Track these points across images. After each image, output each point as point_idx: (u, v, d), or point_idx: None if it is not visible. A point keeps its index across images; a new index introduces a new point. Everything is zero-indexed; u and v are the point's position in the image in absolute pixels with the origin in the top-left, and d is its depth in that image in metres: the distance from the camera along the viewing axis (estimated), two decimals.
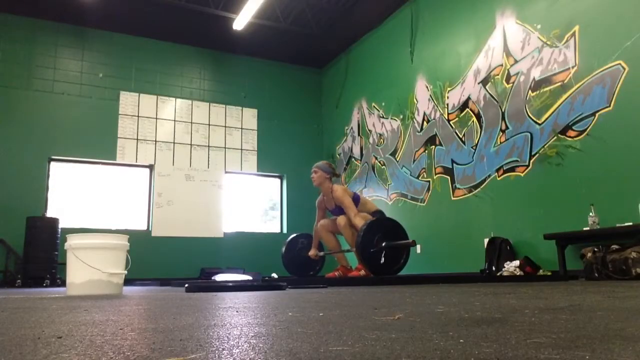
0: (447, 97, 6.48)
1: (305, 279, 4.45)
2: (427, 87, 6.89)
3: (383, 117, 7.81)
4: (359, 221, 4.30)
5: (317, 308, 1.48)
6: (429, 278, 4.35)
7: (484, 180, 5.77)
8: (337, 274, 4.52)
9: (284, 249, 5.27)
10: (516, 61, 5.48)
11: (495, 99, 5.72)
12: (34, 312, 1.53)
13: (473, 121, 6.03)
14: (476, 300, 1.68)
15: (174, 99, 8.47)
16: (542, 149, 5.07)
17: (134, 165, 8.11)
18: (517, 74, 5.45)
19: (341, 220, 4.45)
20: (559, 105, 4.92)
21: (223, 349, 0.71)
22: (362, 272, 4.33)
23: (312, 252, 4.94)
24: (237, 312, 1.41)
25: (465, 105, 6.17)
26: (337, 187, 4.57)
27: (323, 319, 1.13)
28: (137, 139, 8.07)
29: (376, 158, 7.92)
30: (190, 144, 8.46)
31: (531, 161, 5.20)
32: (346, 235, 4.46)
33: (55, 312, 1.54)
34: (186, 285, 3.25)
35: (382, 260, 4.13)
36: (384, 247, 4.15)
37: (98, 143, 7.78)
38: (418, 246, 6.77)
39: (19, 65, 7.52)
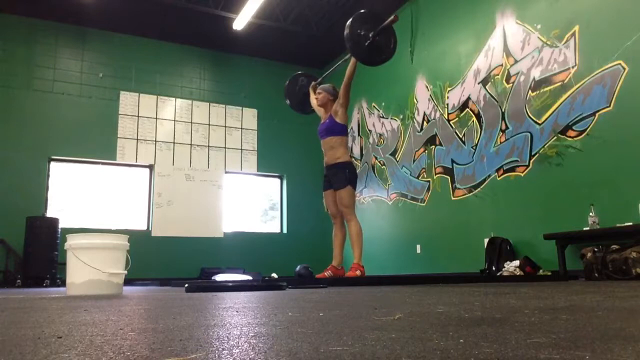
0: (447, 97, 6.48)
1: (306, 280, 4.44)
2: (427, 87, 6.89)
3: (383, 117, 7.81)
4: (344, 155, 4.52)
5: (317, 308, 1.48)
6: (429, 278, 4.34)
7: (484, 180, 5.77)
8: (327, 274, 4.50)
9: (286, 85, 5.35)
10: (516, 61, 5.48)
11: (495, 99, 5.72)
12: (34, 312, 1.53)
13: (473, 121, 6.03)
14: (476, 300, 1.68)
15: (174, 99, 8.48)
16: (542, 149, 5.07)
17: (134, 165, 8.11)
18: (517, 74, 5.45)
19: (352, 227, 4.43)
20: (559, 105, 4.92)
21: (223, 349, 0.71)
22: (358, 273, 4.32)
23: (312, 85, 5.15)
24: (237, 312, 1.41)
25: (465, 105, 6.17)
26: (341, 110, 4.56)
27: (323, 319, 1.13)
28: (137, 139, 8.07)
29: (376, 158, 7.92)
30: (190, 144, 8.46)
31: (531, 161, 5.20)
32: (352, 237, 4.43)
33: (55, 312, 1.54)
34: (186, 285, 3.25)
35: (368, 45, 4.20)
36: (373, 36, 4.20)
37: (98, 143, 7.78)
38: (418, 246, 6.78)
39: (19, 65, 7.52)
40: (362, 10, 4.35)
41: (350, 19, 4.22)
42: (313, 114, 5.31)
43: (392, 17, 4.24)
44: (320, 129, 4.69)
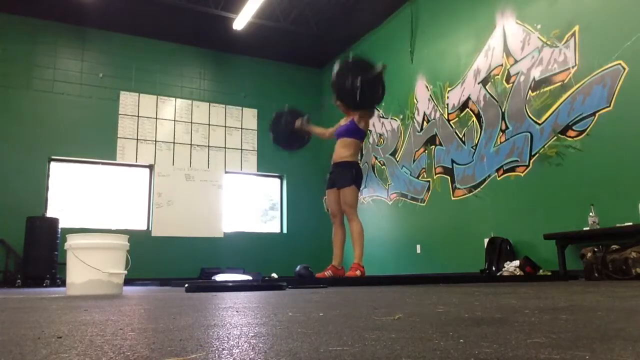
0: (447, 97, 6.48)
1: (306, 280, 4.44)
2: (427, 87, 6.89)
3: (383, 117, 7.81)
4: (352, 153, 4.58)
5: (317, 308, 1.48)
6: (429, 278, 4.34)
7: (484, 180, 5.77)
8: (328, 274, 4.50)
9: (272, 120, 5.43)
10: (516, 61, 5.48)
11: (495, 99, 5.72)
12: (34, 312, 1.53)
13: (473, 121, 6.03)
14: (476, 300, 1.68)
15: (174, 99, 8.48)
16: (542, 149, 5.07)
17: (134, 165, 8.11)
18: (517, 74, 5.45)
19: (354, 227, 4.45)
20: (559, 105, 4.92)
21: (223, 349, 0.71)
22: (358, 273, 4.33)
23: (297, 123, 5.17)
24: (237, 312, 1.41)
25: (465, 105, 6.17)
26: (364, 121, 4.64)
27: (323, 319, 1.13)
28: (137, 139, 8.07)
29: (376, 158, 7.92)
30: (190, 144, 8.46)
31: (531, 161, 5.20)
32: (353, 237, 4.44)
33: (55, 312, 1.54)
34: (186, 285, 3.25)
35: (358, 96, 4.19)
36: (360, 85, 4.19)
37: (98, 143, 7.78)
38: (418, 246, 6.78)
39: (19, 65, 7.52)
40: (349, 59, 4.32)
41: (337, 68, 4.20)
42: (300, 150, 5.43)
43: (380, 66, 4.24)
44: (340, 129, 4.74)
